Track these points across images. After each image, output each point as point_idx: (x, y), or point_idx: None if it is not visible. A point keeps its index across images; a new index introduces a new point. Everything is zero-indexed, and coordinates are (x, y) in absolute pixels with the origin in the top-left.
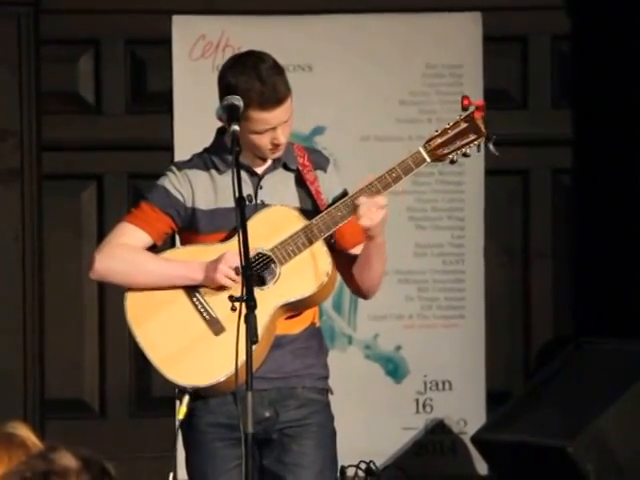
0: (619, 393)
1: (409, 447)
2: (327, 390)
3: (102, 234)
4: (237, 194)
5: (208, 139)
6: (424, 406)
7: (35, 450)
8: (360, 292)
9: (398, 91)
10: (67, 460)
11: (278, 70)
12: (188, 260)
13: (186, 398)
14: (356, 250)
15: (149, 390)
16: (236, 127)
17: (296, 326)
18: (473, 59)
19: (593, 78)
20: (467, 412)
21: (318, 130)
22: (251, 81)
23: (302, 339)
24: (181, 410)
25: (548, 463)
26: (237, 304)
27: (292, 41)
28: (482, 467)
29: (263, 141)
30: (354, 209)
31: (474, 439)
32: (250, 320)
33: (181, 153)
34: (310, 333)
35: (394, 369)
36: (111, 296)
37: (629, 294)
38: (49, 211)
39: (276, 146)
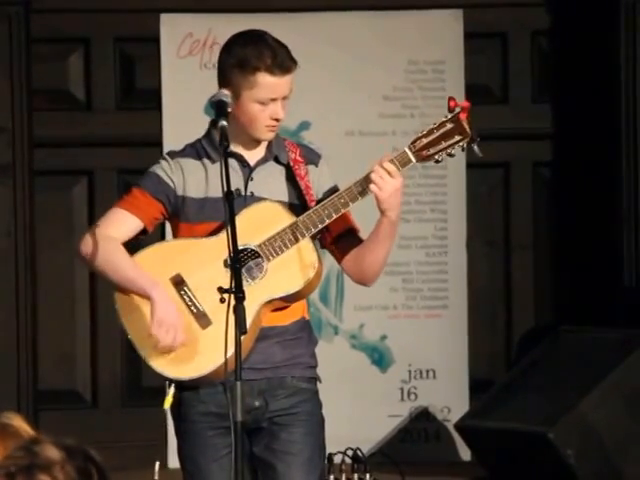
0: (599, 380)
1: (394, 434)
2: (315, 379)
3: None
4: (225, 188)
5: (196, 135)
6: (409, 394)
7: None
8: (361, 277)
9: (381, 87)
10: (50, 452)
11: (282, 44)
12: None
13: (172, 388)
14: (347, 234)
15: (140, 380)
16: (224, 122)
17: (285, 318)
18: (455, 55)
19: (572, 73)
20: (451, 400)
21: (304, 125)
22: (260, 47)
23: (292, 331)
24: (167, 400)
25: (530, 449)
26: (226, 296)
27: (278, 38)
28: (465, 453)
29: (263, 114)
30: (342, 206)
31: (457, 426)
32: (239, 311)
33: (169, 149)
34: (300, 326)
35: (379, 358)
36: (102, 289)
37: (608, 283)
38: (40, 206)
39: (275, 122)
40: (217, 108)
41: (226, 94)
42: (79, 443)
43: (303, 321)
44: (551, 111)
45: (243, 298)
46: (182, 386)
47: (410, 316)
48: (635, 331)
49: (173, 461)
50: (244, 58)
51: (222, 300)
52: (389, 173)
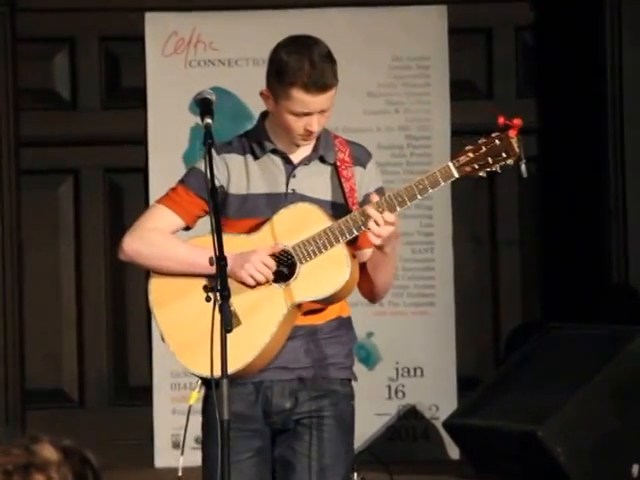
0: (588, 377)
1: (382, 432)
2: (350, 379)
3: (79, 227)
4: (209, 185)
5: (181, 133)
6: (396, 392)
7: None
8: (366, 296)
9: (365, 83)
10: (48, 452)
11: (330, 59)
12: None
13: (199, 385)
14: (365, 254)
15: (127, 379)
16: (209, 120)
17: (319, 318)
18: (439, 51)
19: (557, 68)
20: (439, 398)
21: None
22: (302, 61)
23: (326, 330)
24: (192, 395)
25: (519, 447)
26: (212, 294)
27: (261, 36)
28: (454, 451)
29: (297, 124)
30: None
31: (446, 424)
32: (225, 309)
33: (155, 147)
34: (336, 325)
35: (366, 356)
36: (88, 288)
37: (596, 279)
38: (27, 205)
39: (308, 133)
40: (201, 106)
41: (210, 92)
42: (77, 445)
43: (339, 320)
44: (536, 106)
45: (228, 296)
46: (210, 383)
47: (396, 313)
48: (623, 328)
49: (159, 461)
50: (283, 69)
51: (208, 299)
52: (386, 221)
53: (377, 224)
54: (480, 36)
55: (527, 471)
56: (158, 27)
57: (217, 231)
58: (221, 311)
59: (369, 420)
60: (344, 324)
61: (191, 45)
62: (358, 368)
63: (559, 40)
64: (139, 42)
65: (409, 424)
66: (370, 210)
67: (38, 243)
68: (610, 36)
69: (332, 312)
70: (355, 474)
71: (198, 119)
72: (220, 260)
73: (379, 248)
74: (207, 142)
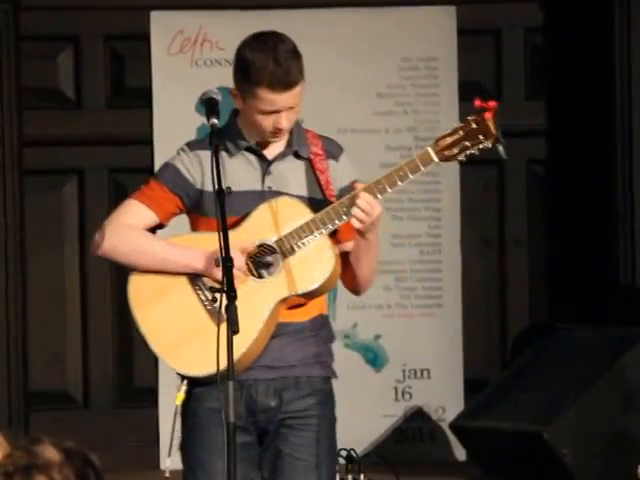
0: (594, 379)
1: (389, 434)
2: (331, 377)
3: (84, 227)
4: (217, 186)
5: (187, 133)
6: (403, 394)
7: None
8: (351, 288)
9: (374, 84)
10: (49, 453)
11: (295, 55)
12: (192, 247)
13: (184, 385)
14: (347, 246)
15: (132, 381)
16: (215, 120)
17: (302, 315)
18: (448, 52)
19: (566, 70)
20: (445, 399)
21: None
22: (266, 60)
23: (309, 328)
24: (178, 396)
25: (525, 448)
26: (218, 295)
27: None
28: (460, 453)
29: (266, 122)
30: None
31: (452, 426)
32: (231, 311)
33: (160, 147)
34: (318, 323)
35: (373, 358)
36: (93, 288)
37: (603, 281)
38: (31, 206)
39: (278, 130)
40: (207, 106)
41: (216, 92)
42: (79, 446)
43: (321, 318)
44: (545, 108)
45: (235, 297)
46: (194, 382)
47: (404, 315)
48: (630, 329)
49: (165, 462)
50: (248, 68)
51: (214, 299)
52: (371, 205)
53: (362, 210)
54: (489, 37)
55: (534, 473)
56: (164, 26)
57: (224, 232)
58: (227, 312)
59: (376, 421)
60: (325, 322)
61: (197, 44)
62: (365, 370)
63: (568, 41)
64: (144, 41)
65: (416, 426)
66: (363, 193)
67: (42, 244)
68: (619, 37)
69: (315, 309)
70: (362, 475)
71: (204, 119)
72: (226, 261)
73: (361, 235)
74: (213, 142)
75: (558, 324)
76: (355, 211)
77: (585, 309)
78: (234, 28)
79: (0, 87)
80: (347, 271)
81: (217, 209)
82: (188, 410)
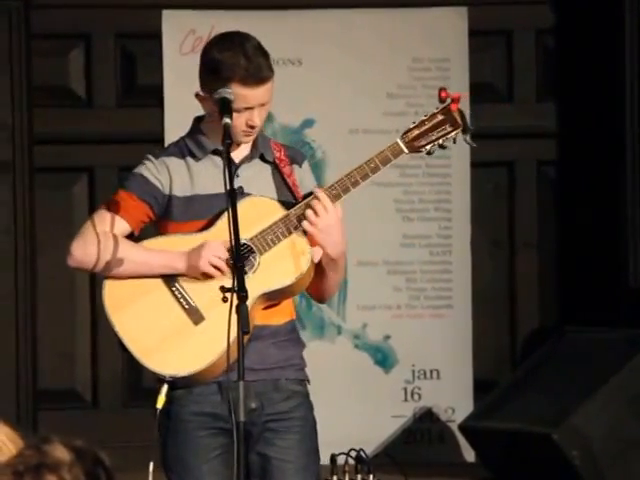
0: (603, 381)
1: (398, 435)
2: (305, 380)
3: None
4: (229, 186)
5: None
6: (412, 395)
7: (8, 454)
8: (312, 296)
9: (386, 85)
10: (60, 452)
11: (263, 52)
12: (166, 250)
13: (164, 387)
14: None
15: (140, 380)
16: (228, 120)
17: (277, 317)
18: (459, 53)
19: (577, 72)
20: (455, 400)
21: (308, 123)
22: (236, 56)
23: (285, 331)
24: (160, 399)
25: (534, 450)
26: (228, 295)
27: (281, 36)
28: (470, 454)
29: (239, 121)
30: (334, 197)
31: (462, 427)
32: (242, 310)
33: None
34: (292, 327)
35: (383, 358)
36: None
37: (613, 283)
38: (41, 204)
39: (250, 128)
40: (221, 106)
41: (229, 92)
42: (89, 445)
43: (293, 322)
44: (556, 110)
45: (246, 297)
46: (175, 385)
47: (414, 316)
48: None
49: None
50: (219, 66)
51: (225, 299)
52: (324, 208)
53: (316, 213)
54: (500, 38)
55: (542, 474)
56: (175, 25)
57: (235, 232)
58: (238, 312)
59: (385, 422)
60: (296, 327)
61: None
62: (375, 370)
63: (579, 43)
64: (156, 40)
65: (425, 427)
66: (320, 193)
67: (52, 242)
68: (630, 39)
69: (288, 313)
70: (371, 476)
71: None
72: (237, 261)
73: (322, 247)
74: (225, 142)
75: (568, 326)
76: (307, 211)
77: (595, 311)
78: (246, 28)
79: (11, 85)
80: (313, 280)
81: (229, 208)
82: (170, 414)
